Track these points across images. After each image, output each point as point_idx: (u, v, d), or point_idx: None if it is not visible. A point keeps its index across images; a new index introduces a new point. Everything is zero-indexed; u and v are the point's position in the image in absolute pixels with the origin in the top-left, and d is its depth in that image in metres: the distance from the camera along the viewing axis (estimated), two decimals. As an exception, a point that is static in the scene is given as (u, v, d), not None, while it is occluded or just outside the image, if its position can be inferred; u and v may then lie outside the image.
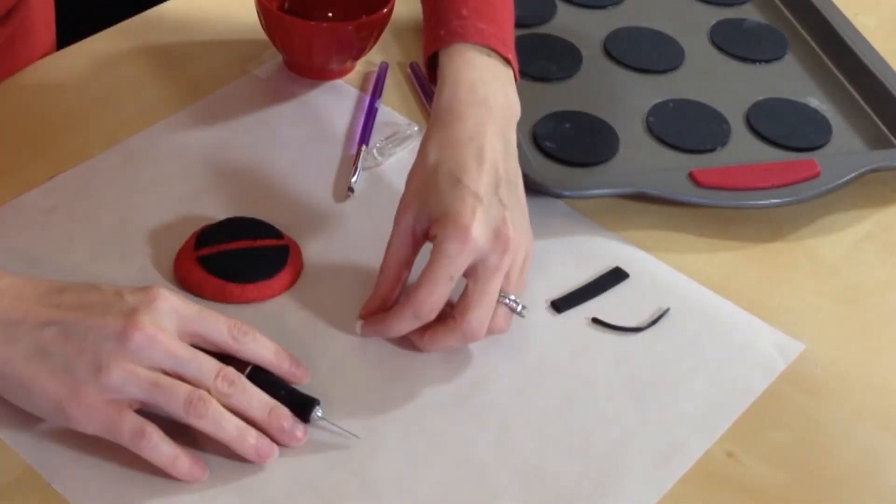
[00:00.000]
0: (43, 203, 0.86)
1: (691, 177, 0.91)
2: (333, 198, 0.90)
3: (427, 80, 0.89)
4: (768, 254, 0.89)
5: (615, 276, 0.85)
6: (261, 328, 0.78)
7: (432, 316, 0.75)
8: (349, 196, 0.90)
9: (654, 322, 0.82)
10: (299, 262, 0.83)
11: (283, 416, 0.70)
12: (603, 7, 1.13)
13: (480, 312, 0.74)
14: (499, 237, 0.74)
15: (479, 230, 0.74)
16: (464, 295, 0.75)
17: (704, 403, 0.77)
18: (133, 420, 0.67)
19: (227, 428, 0.68)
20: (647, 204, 0.91)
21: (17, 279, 0.71)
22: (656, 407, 0.76)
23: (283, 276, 0.81)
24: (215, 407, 0.68)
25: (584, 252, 0.87)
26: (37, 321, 0.68)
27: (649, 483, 0.72)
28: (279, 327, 0.79)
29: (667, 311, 0.83)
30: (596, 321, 0.82)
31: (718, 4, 1.15)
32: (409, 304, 0.75)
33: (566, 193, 0.89)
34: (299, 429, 0.71)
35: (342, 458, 0.71)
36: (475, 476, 0.71)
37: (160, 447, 0.67)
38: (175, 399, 0.67)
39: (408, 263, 0.79)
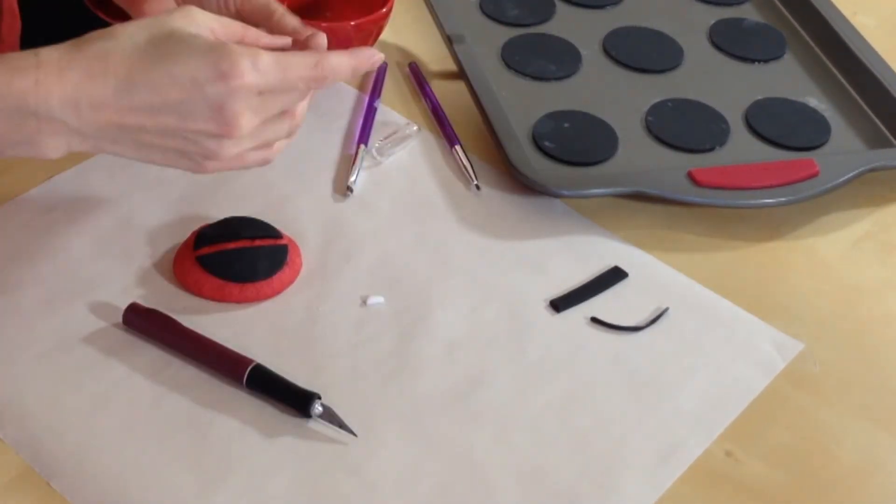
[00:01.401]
0: (43, 203, 0.87)
1: (690, 176, 0.91)
2: (332, 197, 0.90)
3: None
4: (767, 253, 0.89)
5: (614, 276, 0.85)
6: (259, 328, 0.79)
7: None
8: (348, 195, 0.90)
9: (653, 321, 0.82)
10: (298, 262, 0.83)
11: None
12: (602, 7, 1.13)
13: None
14: None
15: None
16: None
17: (703, 402, 0.77)
18: (255, 157, 0.72)
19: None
20: (646, 203, 0.91)
21: (77, 74, 0.67)
22: (655, 406, 0.76)
23: (282, 276, 0.81)
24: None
25: (582, 251, 0.87)
26: (128, 127, 0.68)
27: (648, 482, 0.72)
28: (278, 327, 0.79)
29: (666, 310, 0.83)
30: (595, 320, 0.82)
31: (717, 4, 1.15)
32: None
33: (565, 193, 0.89)
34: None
35: (341, 457, 0.71)
36: (474, 475, 0.71)
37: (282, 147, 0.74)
38: (279, 137, 0.73)
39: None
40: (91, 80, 0.67)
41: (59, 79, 0.66)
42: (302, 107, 0.73)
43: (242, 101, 0.67)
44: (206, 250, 0.81)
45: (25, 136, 0.67)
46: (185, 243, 0.83)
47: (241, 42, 0.71)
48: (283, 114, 0.71)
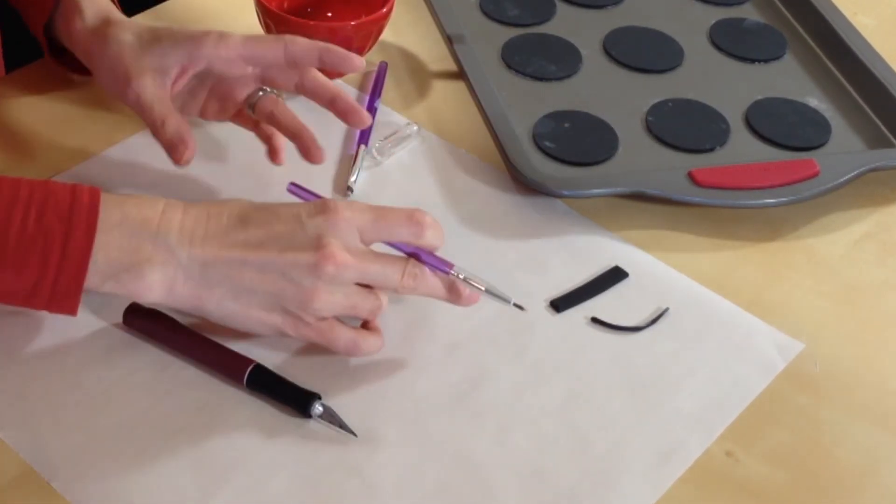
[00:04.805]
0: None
1: (690, 176, 0.91)
2: (332, 197, 0.90)
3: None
4: (767, 253, 0.89)
5: (614, 276, 0.85)
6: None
7: None
8: (348, 195, 0.90)
9: (653, 321, 0.82)
10: None
11: (459, 289, 0.76)
12: (602, 7, 1.13)
13: None
14: None
15: None
16: None
17: (703, 403, 0.77)
18: (345, 335, 0.74)
19: None
20: (647, 203, 0.91)
21: (197, 211, 0.73)
22: (655, 406, 0.76)
23: None
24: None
25: (583, 251, 0.87)
26: (231, 262, 0.71)
27: (648, 482, 0.72)
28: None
29: (666, 310, 0.83)
30: (595, 321, 0.82)
31: (718, 4, 1.15)
32: None
33: (565, 193, 0.89)
34: (475, 294, 0.76)
35: (341, 457, 0.71)
36: (474, 476, 0.71)
37: (372, 347, 0.75)
38: (371, 313, 0.75)
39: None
40: (208, 218, 0.73)
41: (183, 212, 0.73)
42: (384, 300, 0.75)
43: (338, 235, 0.72)
44: None
45: (135, 261, 0.70)
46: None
47: None
48: (371, 289, 0.74)
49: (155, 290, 0.71)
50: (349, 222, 0.72)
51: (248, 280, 0.71)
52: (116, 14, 0.89)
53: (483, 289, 0.76)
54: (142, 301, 0.73)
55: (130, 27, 0.86)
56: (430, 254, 0.75)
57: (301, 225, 0.72)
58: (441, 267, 0.75)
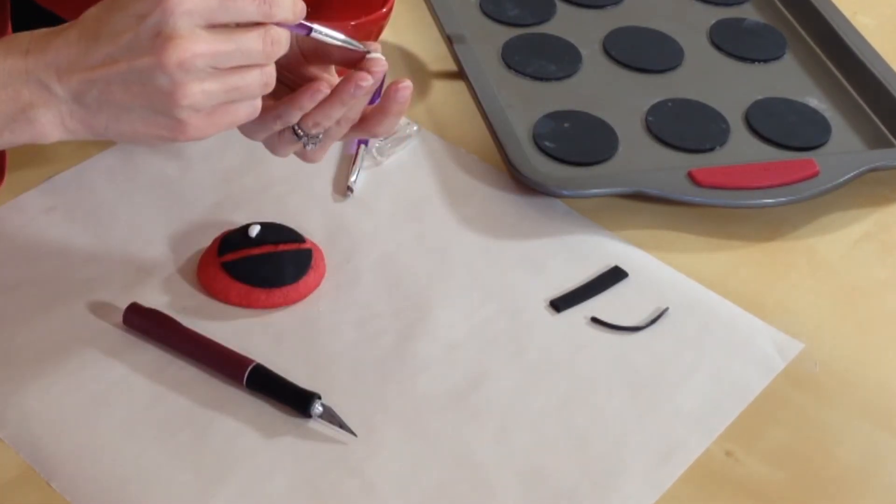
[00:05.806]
0: (42, 203, 0.87)
1: (690, 176, 0.91)
2: (332, 197, 0.90)
3: None
4: (767, 253, 0.89)
5: (614, 276, 0.85)
6: (258, 329, 0.78)
7: None
8: (348, 196, 0.90)
9: (653, 321, 0.82)
10: (322, 266, 0.83)
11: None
12: (602, 7, 1.13)
13: None
14: None
15: None
16: None
17: (703, 402, 0.77)
18: (242, 109, 0.68)
19: None
20: (647, 203, 0.91)
21: (59, 40, 0.67)
22: (655, 406, 0.76)
23: (308, 280, 0.81)
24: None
25: (583, 251, 0.87)
26: (95, 84, 0.66)
27: (648, 482, 0.72)
28: (277, 327, 0.79)
29: (666, 310, 0.83)
30: (595, 320, 0.82)
31: (718, 4, 1.15)
32: None
33: (565, 193, 0.89)
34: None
35: (341, 457, 0.71)
36: (474, 475, 0.71)
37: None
38: (254, 90, 0.67)
39: None
40: (67, 44, 0.67)
41: (46, 46, 0.67)
42: (269, 67, 0.68)
43: (178, 22, 0.64)
44: (230, 256, 0.81)
45: (20, 107, 0.67)
46: (209, 250, 0.82)
47: None
48: (250, 66, 0.67)
49: (50, 130, 0.68)
50: (190, 10, 0.64)
51: (119, 98, 0.66)
52: None
53: (338, 42, 0.71)
54: (45, 142, 0.69)
55: None
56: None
57: (143, 25, 0.65)
58: (297, 29, 0.68)
